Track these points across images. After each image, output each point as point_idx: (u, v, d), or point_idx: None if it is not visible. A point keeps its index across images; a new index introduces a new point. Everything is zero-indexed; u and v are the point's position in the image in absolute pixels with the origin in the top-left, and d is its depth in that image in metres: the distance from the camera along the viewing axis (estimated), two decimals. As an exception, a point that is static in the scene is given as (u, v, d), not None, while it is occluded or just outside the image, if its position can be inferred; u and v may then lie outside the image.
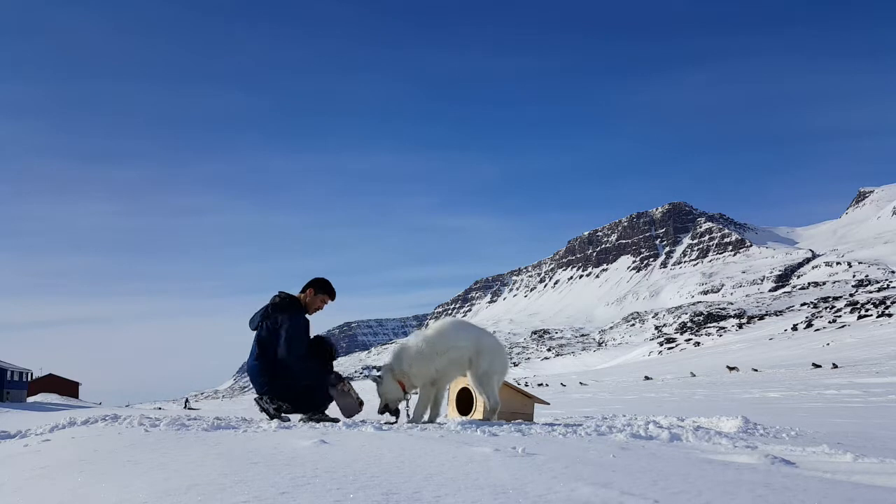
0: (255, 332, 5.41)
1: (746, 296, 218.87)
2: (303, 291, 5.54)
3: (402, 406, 4.87)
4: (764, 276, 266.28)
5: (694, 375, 38.96)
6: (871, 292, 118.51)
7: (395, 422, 4.74)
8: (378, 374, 4.80)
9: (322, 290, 5.60)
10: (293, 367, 5.12)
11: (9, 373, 75.20)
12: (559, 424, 5.10)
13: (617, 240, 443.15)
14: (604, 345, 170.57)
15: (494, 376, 4.92)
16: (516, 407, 5.69)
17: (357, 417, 5.12)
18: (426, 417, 4.82)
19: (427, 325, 5.40)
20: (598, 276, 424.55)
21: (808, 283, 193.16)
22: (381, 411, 4.83)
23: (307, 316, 5.45)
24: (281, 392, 5.15)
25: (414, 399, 4.95)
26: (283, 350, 5.11)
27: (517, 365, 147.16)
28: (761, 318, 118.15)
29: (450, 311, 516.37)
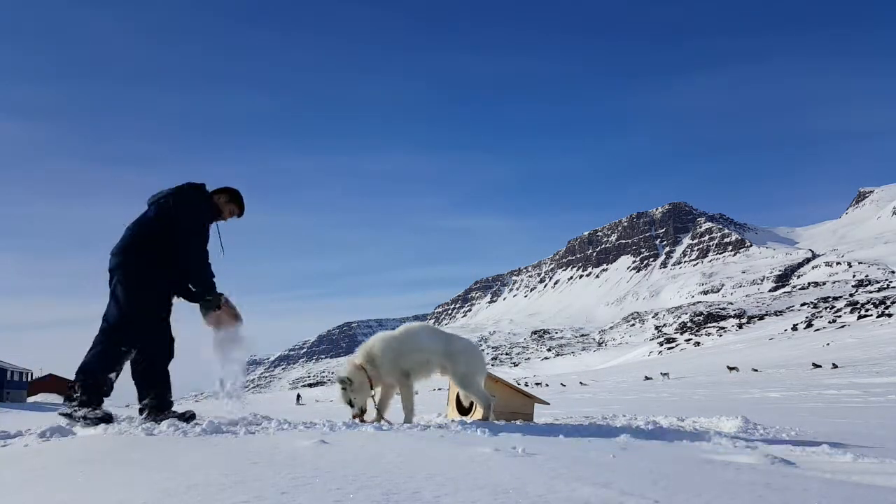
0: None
1: (746, 296, 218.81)
2: (215, 193, 4.97)
3: (370, 404, 4.78)
4: (764, 276, 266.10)
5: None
6: (871, 292, 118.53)
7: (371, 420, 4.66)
8: (344, 375, 4.65)
9: (236, 201, 5.05)
10: (190, 261, 4.60)
11: (9, 373, 75.20)
12: (559, 424, 5.10)
13: (617, 240, 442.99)
14: (604, 345, 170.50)
15: (476, 376, 4.98)
16: (516, 407, 5.69)
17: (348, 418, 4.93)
18: (375, 413, 4.77)
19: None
20: (598, 277, 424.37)
21: (808, 284, 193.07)
22: (356, 416, 4.67)
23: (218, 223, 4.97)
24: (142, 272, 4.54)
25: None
26: (184, 243, 4.57)
27: (517, 365, 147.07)
28: (761, 318, 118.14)
29: (450, 311, 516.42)
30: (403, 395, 4.80)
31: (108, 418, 4.34)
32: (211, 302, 4.74)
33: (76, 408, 4.33)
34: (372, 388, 4.73)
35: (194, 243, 4.68)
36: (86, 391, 4.38)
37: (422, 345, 4.86)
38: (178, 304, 4.93)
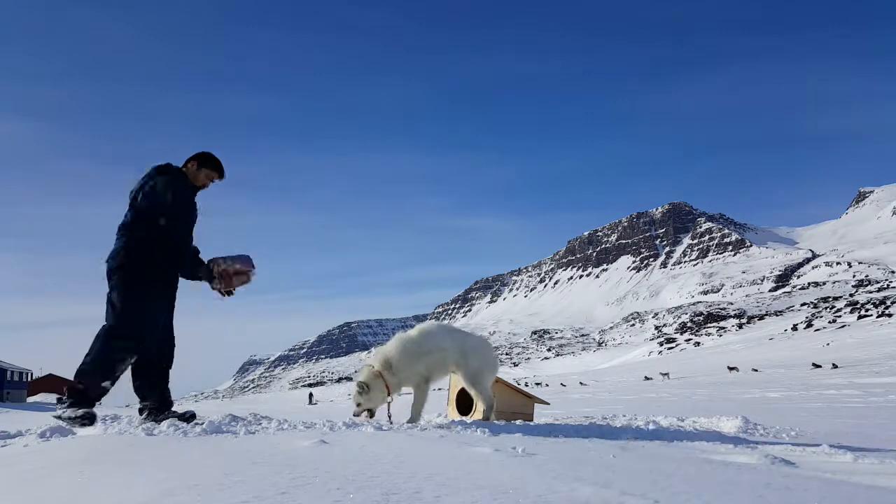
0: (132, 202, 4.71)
1: (746, 296, 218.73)
2: (184, 165, 4.88)
3: (381, 408, 4.74)
4: (764, 277, 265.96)
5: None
6: (871, 292, 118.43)
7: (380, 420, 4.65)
8: (362, 380, 4.63)
9: (207, 164, 4.88)
10: (171, 232, 4.54)
11: (9, 373, 75.22)
12: (559, 424, 5.10)
13: (617, 240, 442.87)
14: (604, 345, 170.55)
15: (486, 373, 4.95)
16: (516, 407, 5.69)
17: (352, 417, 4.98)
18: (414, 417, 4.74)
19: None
20: (598, 277, 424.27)
21: (808, 284, 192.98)
22: (368, 414, 4.64)
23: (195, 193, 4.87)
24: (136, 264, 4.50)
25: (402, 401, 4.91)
26: (159, 212, 4.48)
27: (517, 365, 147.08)
28: (761, 318, 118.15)
29: (450, 311, 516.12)
30: (417, 396, 4.75)
31: (89, 416, 4.32)
32: (203, 277, 4.79)
33: (64, 409, 4.34)
34: (389, 395, 4.68)
35: (174, 229, 4.64)
36: (72, 394, 4.37)
37: (439, 344, 4.81)
38: (178, 306, 4.93)
